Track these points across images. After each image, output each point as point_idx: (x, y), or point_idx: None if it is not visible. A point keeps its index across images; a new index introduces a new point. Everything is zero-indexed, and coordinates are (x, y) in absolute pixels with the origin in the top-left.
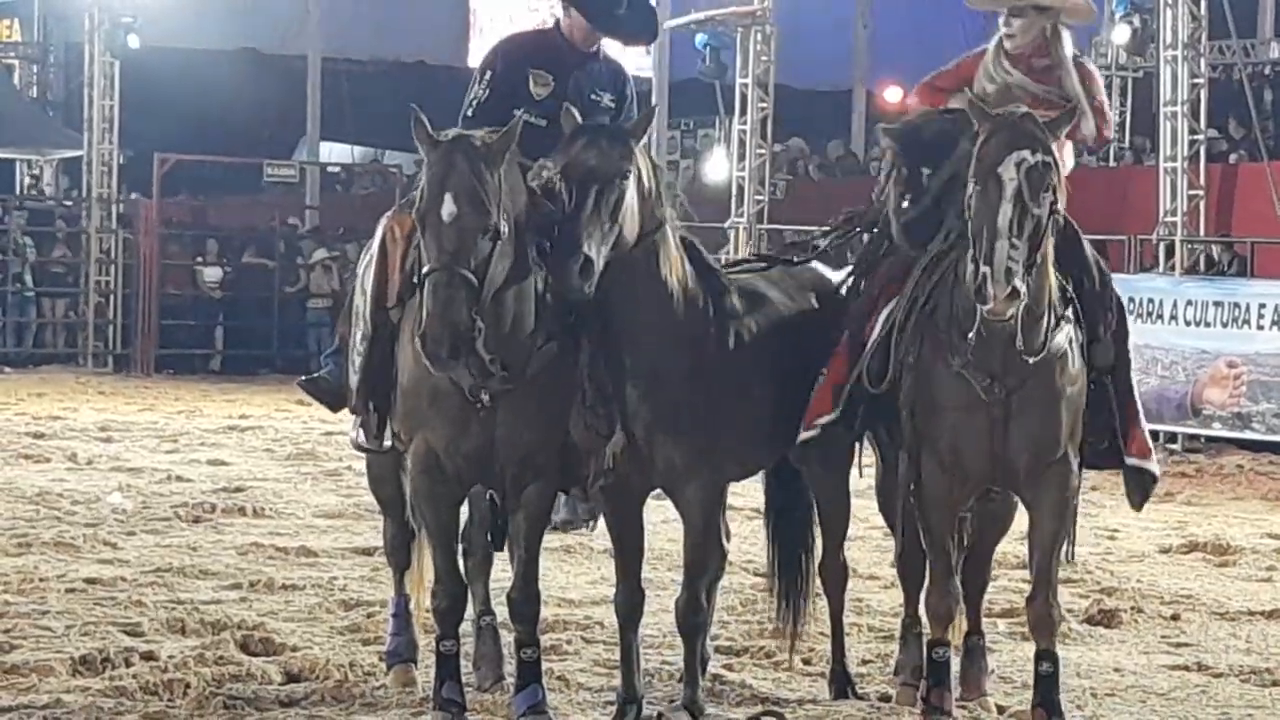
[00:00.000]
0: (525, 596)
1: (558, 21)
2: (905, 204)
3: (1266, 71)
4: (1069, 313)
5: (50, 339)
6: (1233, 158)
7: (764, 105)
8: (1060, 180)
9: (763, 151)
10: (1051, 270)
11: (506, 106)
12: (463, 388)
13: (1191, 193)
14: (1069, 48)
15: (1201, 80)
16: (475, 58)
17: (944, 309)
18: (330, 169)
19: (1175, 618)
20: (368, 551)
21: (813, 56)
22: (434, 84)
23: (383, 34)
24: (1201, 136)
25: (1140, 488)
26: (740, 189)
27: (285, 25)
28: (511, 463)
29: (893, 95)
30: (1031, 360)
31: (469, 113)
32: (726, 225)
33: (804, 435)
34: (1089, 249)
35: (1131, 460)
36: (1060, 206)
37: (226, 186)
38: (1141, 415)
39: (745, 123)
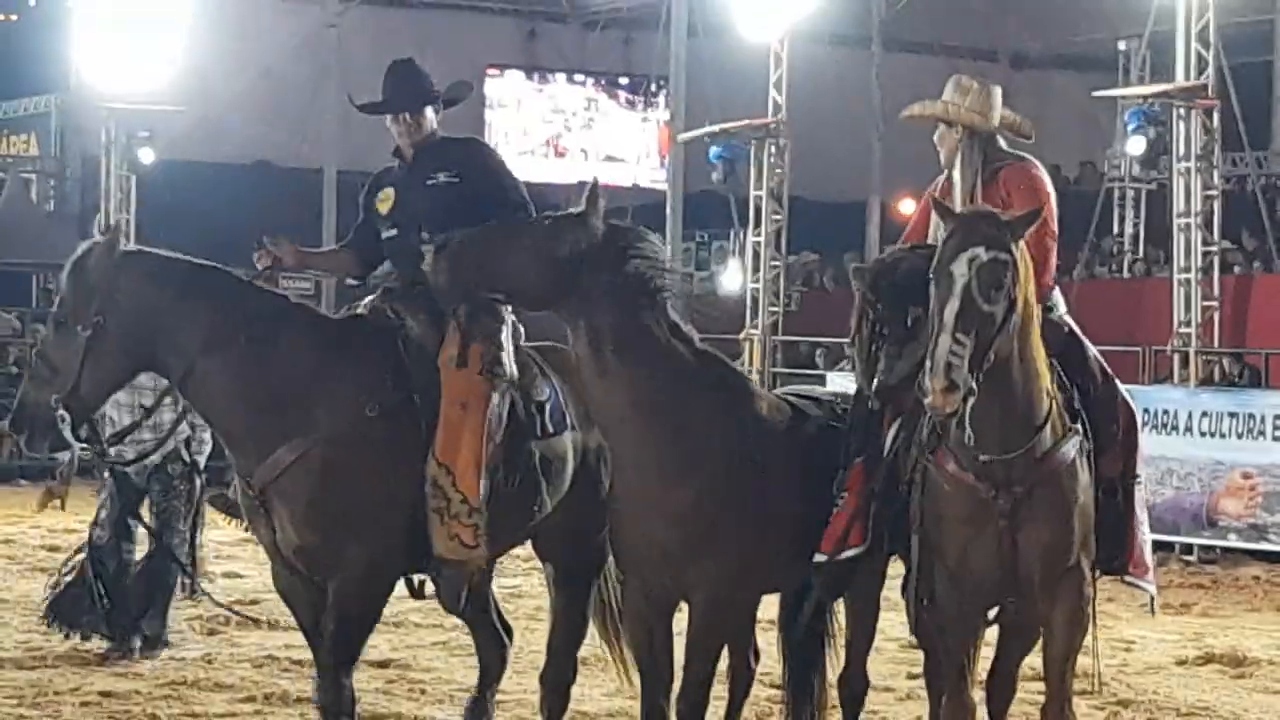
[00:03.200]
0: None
1: None
2: (877, 351)
3: (1278, 183)
4: (1077, 424)
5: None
6: (1238, 269)
7: (778, 217)
8: (1019, 279)
9: (777, 263)
10: (1046, 377)
11: (368, 226)
12: None
13: (1205, 304)
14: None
15: (1215, 192)
16: None
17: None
18: (346, 282)
19: None
20: (383, 664)
21: (827, 168)
22: None
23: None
24: (1215, 248)
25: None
26: (754, 300)
27: (300, 138)
28: None
29: (907, 207)
30: (1020, 460)
31: (349, 234)
32: (741, 337)
33: (824, 557)
34: (1094, 357)
35: (1129, 579)
36: (1020, 306)
37: None
38: (1142, 531)
39: (759, 234)
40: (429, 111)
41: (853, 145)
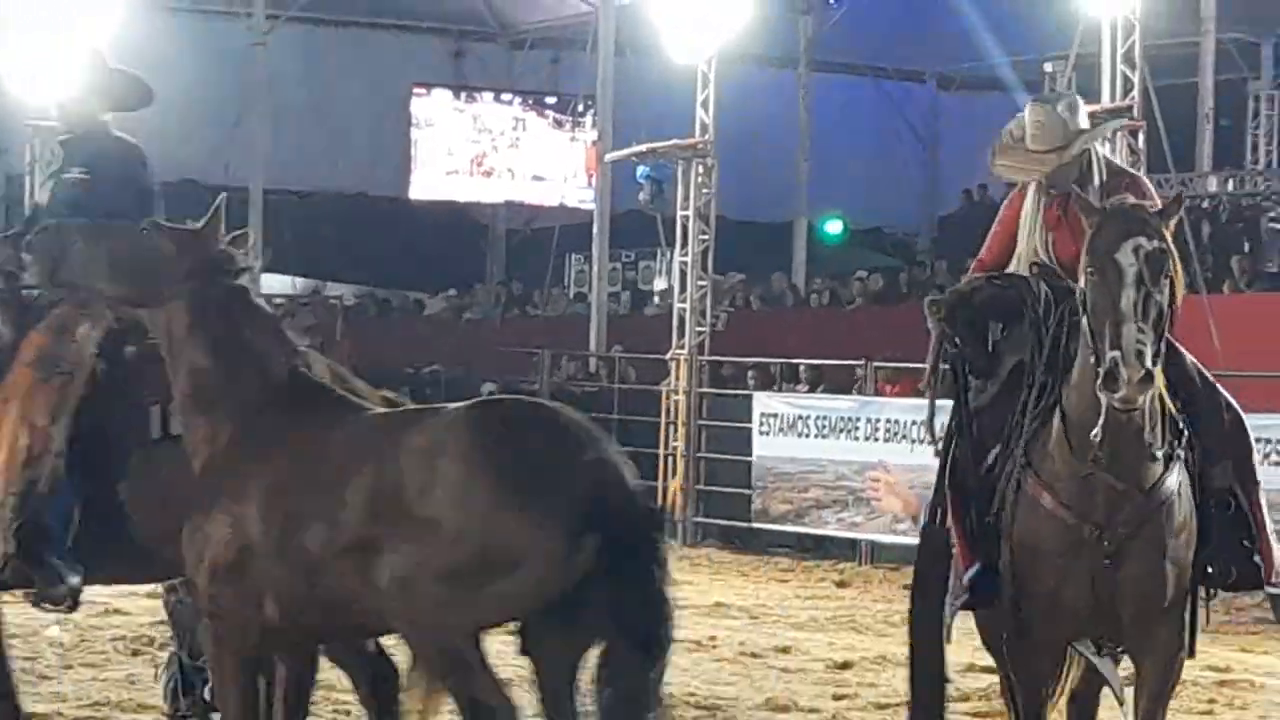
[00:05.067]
0: None
1: None
2: (971, 381)
3: (1204, 204)
4: (1180, 448)
5: None
6: None
7: (705, 237)
8: (1178, 270)
9: (704, 283)
10: (1162, 388)
11: None
12: None
13: None
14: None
15: None
16: (417, 190)
17: (1043, 445)
18: (272, 300)
19: None
20: None
21: (754, 188)
22: (375, 215)
23: (324, 165)
24: None
25: None
26: (681, 320)
27: (227, 156)
28: None
29: (835, 227)
30: (1127, 493)
31: None
32: (667, 356)
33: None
34: (1192, 363)
35: (1272, 588)
36: (1179, 298)
37: None
38: (1273, 536)
39: (686, 254)
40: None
41: (780, 166)
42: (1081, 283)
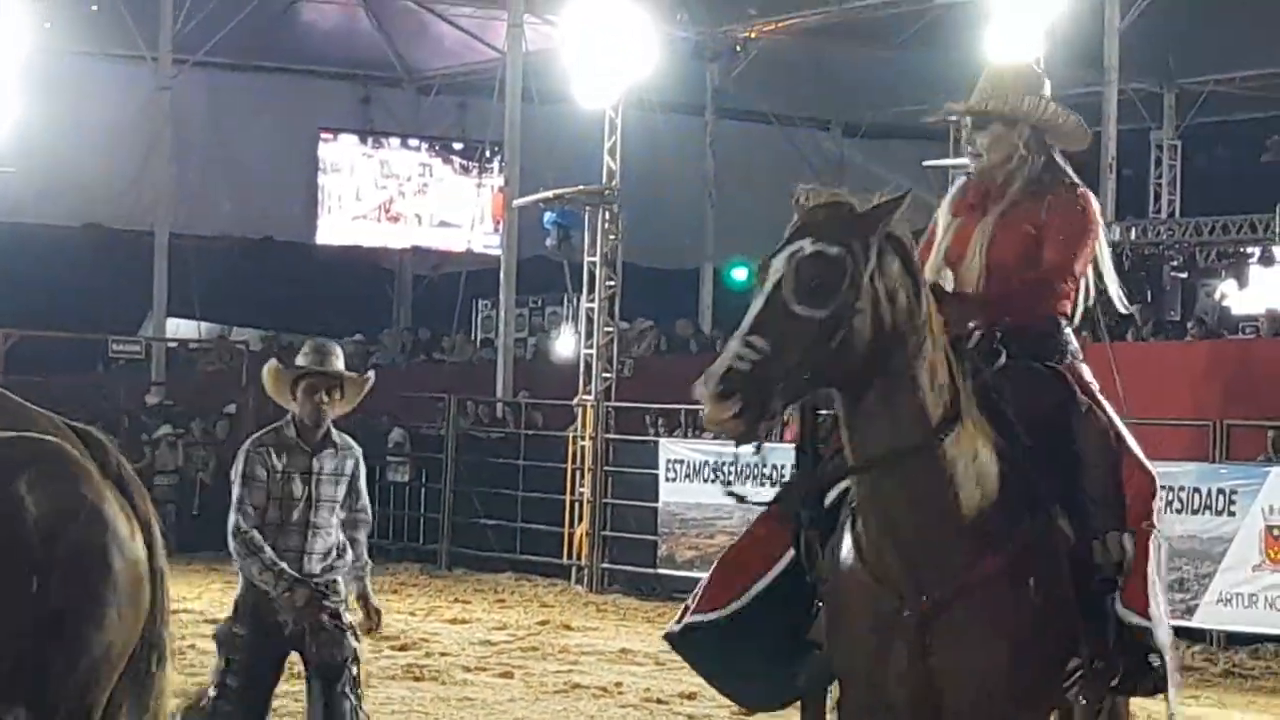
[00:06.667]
0: None
1: None
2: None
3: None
4: (1046, 510)
5: None
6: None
7: (611, 283)
8: (866, 280)
9: (610, 329)
10: (984, 443)
11: None
12: None
13: None
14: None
15: None
16: (324, 235)
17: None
18: (176, 345)
19: None
20: None
21: (660, 235)
22: (282, 261)
23: (231, 210)
24: None
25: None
26: (588, 366)
27: (133, 200)
28: None
29: (740, 273)
30: (931, 564)
31: None
32: (574, 402)
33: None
34: (1104, 428)
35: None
36: (888, 317)
37: (71, 362)
38: (1154, 592)
39: (593, 300)
40: None
41: (686, 212)
42: None
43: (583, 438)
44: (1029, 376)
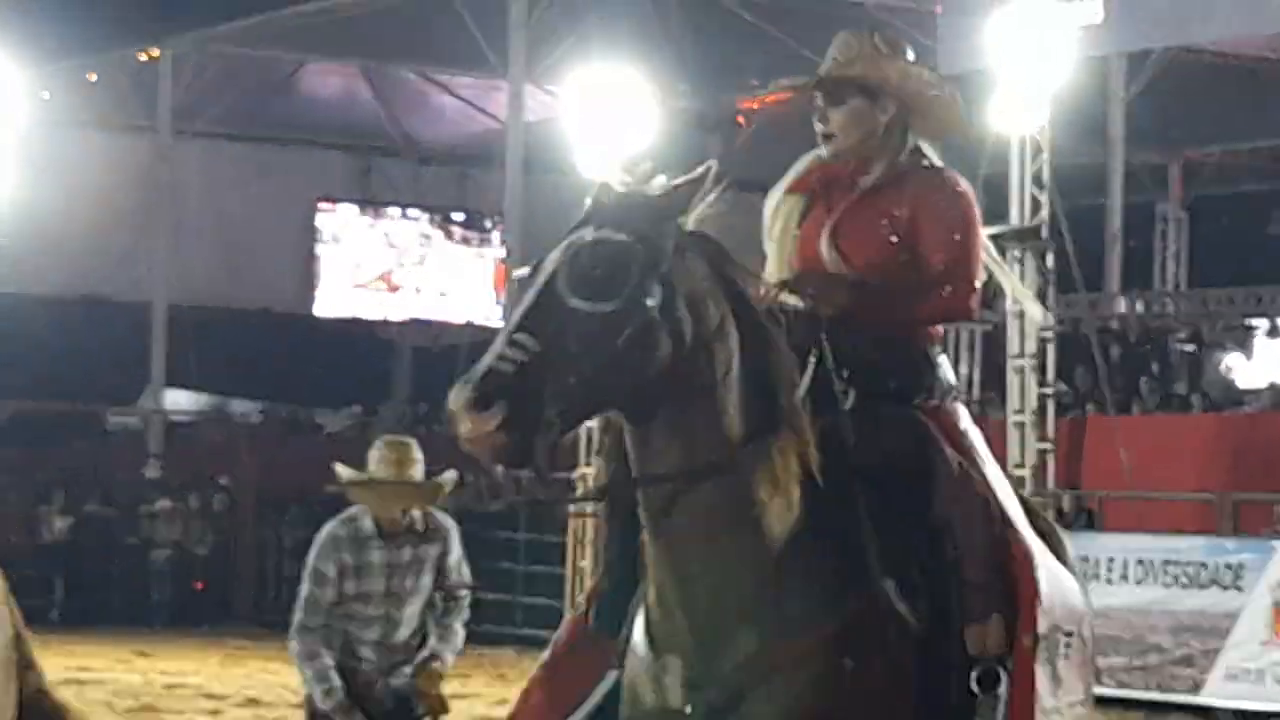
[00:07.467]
0: None
1: None
2: None
3: (1113, 325)
4: (891, 582)
5: None
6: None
7: None
8: (663, 272)
9: None
10: (788, 466)
11: None
12: None
13: (1040, 445)
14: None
15: (1049, 334)
16: (321, 306)
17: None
18: (174, 417)
19: None
20: None
21: None
22: (279, 331)
23: (228, 281)
24: (1050, 390)
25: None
26: (588, 438)
27: (131, 271)
28: None
29: None
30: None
31: None
32: (575, 475)
33: None
34: (978, 480)
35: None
36: (657, 312)
37: (69, 433)
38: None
39: None
40: None
41: None
42: None
43: (583, 511)
44: (884, 423)
